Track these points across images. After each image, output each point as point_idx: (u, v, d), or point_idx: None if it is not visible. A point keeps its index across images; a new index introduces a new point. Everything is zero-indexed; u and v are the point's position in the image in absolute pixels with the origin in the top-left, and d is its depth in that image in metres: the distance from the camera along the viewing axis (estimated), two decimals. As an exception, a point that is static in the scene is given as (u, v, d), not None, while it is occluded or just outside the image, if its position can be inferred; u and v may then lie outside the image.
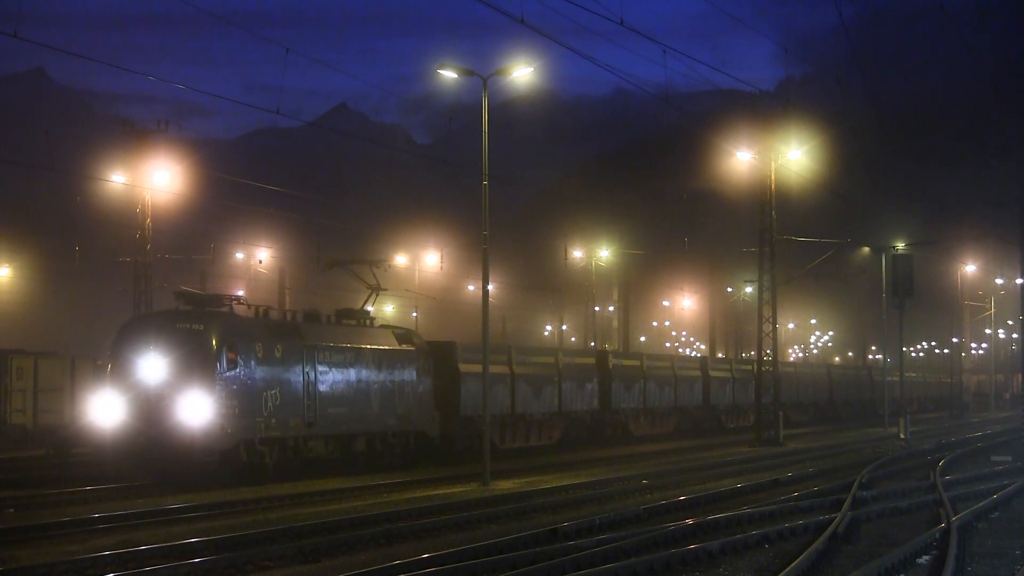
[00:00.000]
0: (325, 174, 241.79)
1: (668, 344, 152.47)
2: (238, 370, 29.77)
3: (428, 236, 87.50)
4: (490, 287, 32.48)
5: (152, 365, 29.47)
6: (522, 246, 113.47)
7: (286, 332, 32.28)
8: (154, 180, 52.86)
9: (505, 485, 30.63)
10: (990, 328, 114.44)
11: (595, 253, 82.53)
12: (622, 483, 31.12)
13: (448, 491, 29.41)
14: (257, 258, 77.90)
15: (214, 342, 29.54)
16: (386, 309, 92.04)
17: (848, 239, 67.62)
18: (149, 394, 29.28)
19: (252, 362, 30.21)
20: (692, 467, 37.07)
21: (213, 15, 37.51)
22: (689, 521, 21.52)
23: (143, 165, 52.87)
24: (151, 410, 29.12)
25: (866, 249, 74.57)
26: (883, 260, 63.57)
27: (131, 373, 29.62)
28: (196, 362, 29.30)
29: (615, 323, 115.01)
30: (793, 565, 16.57)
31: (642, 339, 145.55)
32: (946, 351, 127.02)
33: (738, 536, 19.89)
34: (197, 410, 28.92)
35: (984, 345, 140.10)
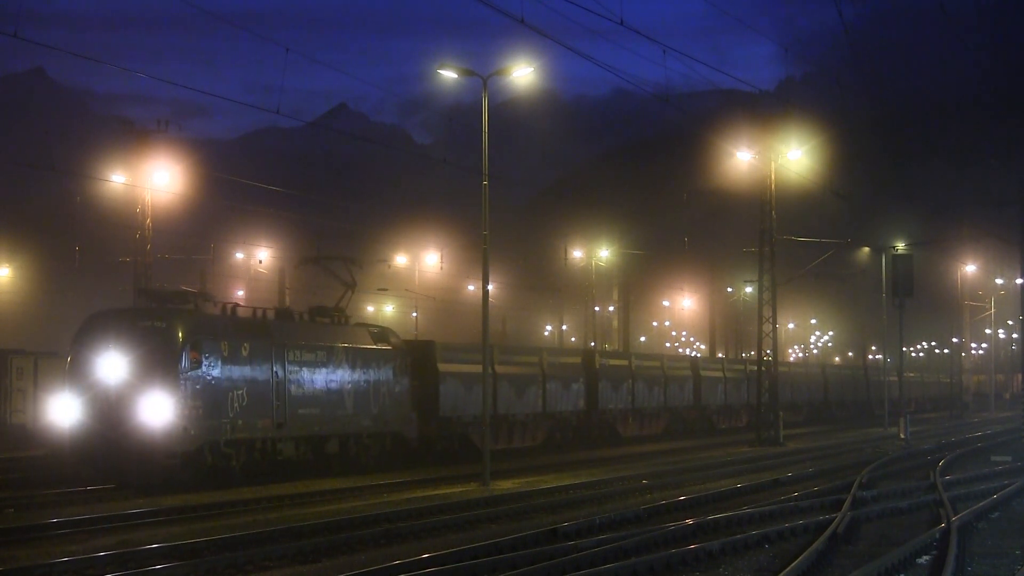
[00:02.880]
0: (325, 174, 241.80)
1: (668, 344, 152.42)
2: (202, 369, 28.69)
3: (428, 236, 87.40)
4: (490, 287, 32.47)
5: (112, 363, 28.26)
6: (522, 246, 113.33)
7: (254, 330, 31.14)
8: (154, 180, 52.77)
9: (505, 485, 30.61)
10: (990, 328, 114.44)
11: (595, 253, 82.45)
12: (621, 483, 31.10)
13: (448, 491, 29.40)
14: (257, 258, 77.87)
15: (177, 340, 28.49)
16: (386, 309, 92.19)
17: (848, 239, 67.60)
18: (108, 394, 28.14)
19: (217, 361, 29.13)
20: (691, 467, 37.03)
21: (213, 15, 37.54)
22: (689, 521, 21.52)
23: (143, 165, 52.79)
24: (110, 411, 28.00)
25: (866, 249, 74.62)
26: (883, 260, 63.55)
27: (90, 372, 28.49)
28: (157, 361, 28.13)
29: (615, 323, 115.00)
30: (793, 565, 16.57)
31: (642, 339, 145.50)
32: (946, 351, 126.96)
33: (738, 536, 19.91)
34: (158, 411, 27.76)
35: (984, 345, 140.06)
